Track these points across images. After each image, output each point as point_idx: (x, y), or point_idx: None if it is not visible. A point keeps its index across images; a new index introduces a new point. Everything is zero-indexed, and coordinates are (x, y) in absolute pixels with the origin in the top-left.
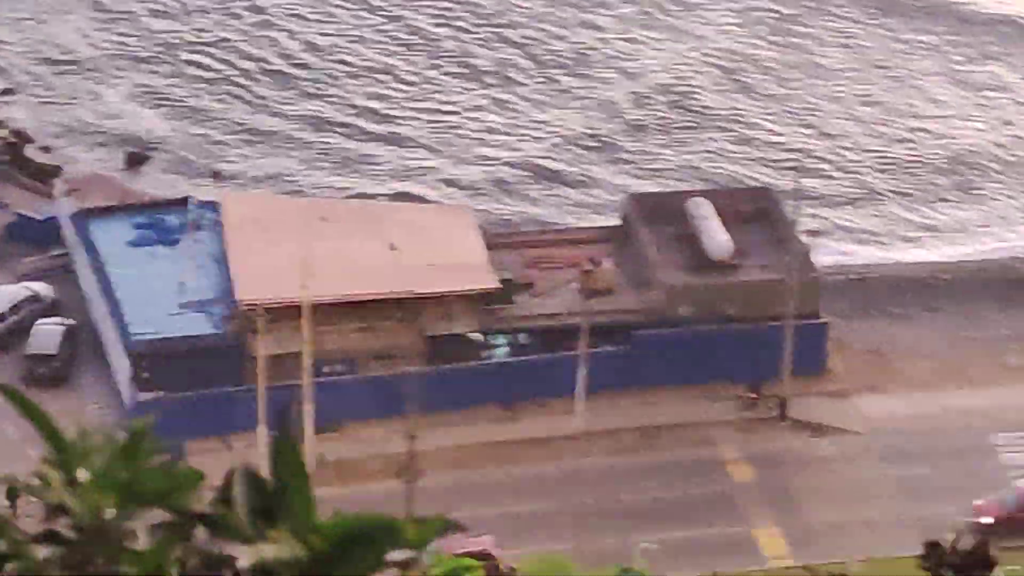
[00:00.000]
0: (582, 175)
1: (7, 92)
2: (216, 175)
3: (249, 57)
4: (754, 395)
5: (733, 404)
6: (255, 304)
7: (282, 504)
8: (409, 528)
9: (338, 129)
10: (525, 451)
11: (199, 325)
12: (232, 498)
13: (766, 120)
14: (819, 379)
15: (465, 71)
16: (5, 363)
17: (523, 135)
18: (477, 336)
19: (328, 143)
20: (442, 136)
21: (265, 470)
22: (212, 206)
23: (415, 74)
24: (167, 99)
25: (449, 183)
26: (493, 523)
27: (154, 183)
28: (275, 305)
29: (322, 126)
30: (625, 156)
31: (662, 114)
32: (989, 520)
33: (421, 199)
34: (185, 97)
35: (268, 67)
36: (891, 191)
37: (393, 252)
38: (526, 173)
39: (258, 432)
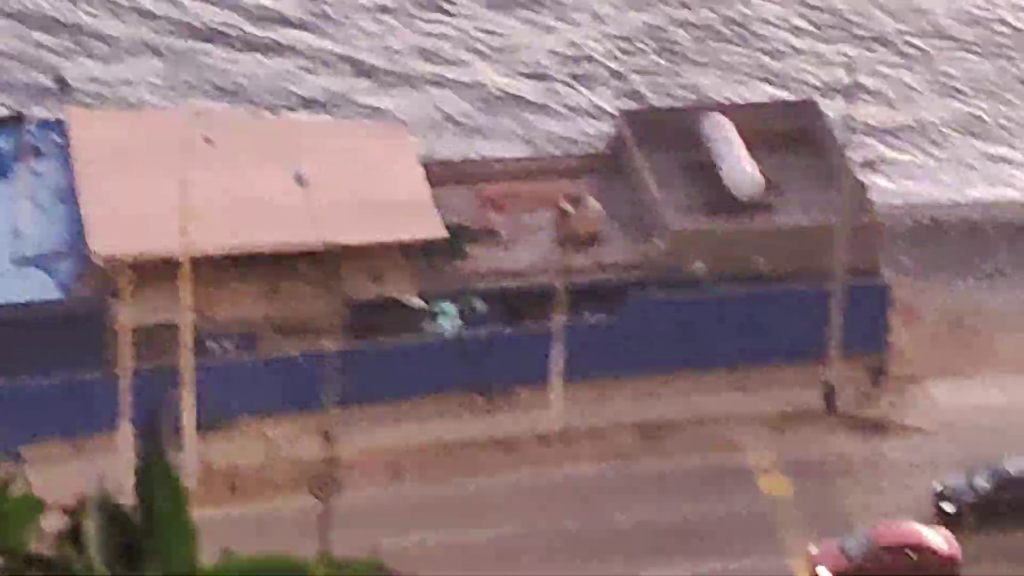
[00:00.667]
0: (556, 103)
1: None
2: (61, 84)
3: None
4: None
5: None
6: (115, 258)
7: (151, 542)
8: (323, 573)
9: (227, 37)
10: (483, 457)
11: (39, 287)
12: (83, 535)
13: (805, 28)
14: (879, 359)
15: None
16: None
17: (478, 52)
18: (417, 302)
19: (208, 55)
20: (371, 50)
21: (130, 492)
22: (55, 126)
23: None
24: None
25: (376, 113)
26: (439, 556)
27: None
28: (143, 260)
29: (204, 33)
30: (617, 77)
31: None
32: (827, 573)
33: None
34: None
35: None
36: (972, 116)
37: (303, 188)
38: (480, 102)
39: (121, 432)
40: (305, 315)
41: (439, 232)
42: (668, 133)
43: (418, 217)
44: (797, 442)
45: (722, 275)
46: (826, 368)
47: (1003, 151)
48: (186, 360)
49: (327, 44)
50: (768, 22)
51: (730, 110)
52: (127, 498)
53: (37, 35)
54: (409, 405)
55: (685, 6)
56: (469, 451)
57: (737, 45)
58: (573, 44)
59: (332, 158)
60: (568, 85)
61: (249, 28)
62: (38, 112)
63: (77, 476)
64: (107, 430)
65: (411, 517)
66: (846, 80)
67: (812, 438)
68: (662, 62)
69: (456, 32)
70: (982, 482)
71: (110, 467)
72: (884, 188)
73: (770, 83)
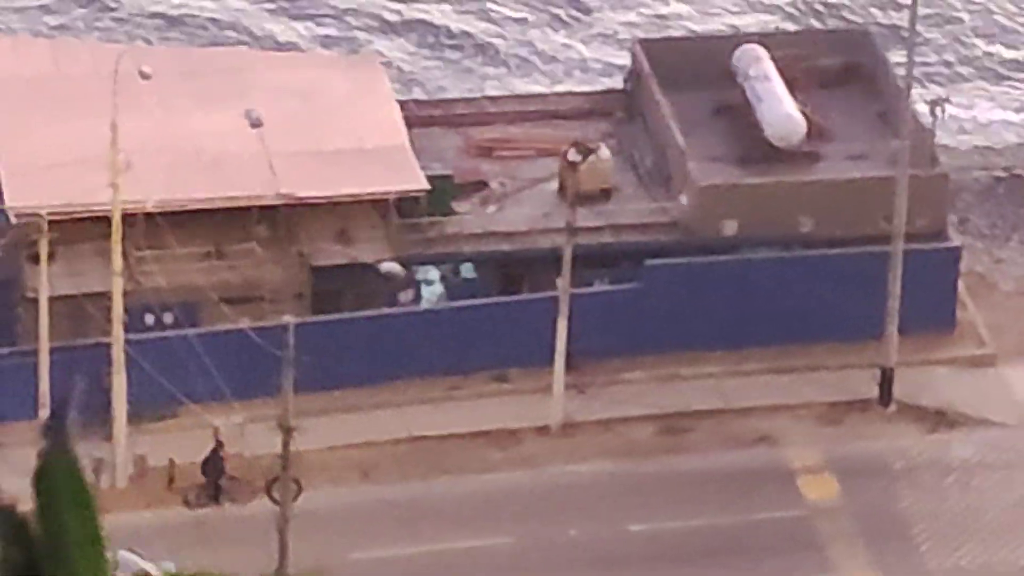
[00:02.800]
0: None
1: None
2: None
3: None
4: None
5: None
6: (32, 214)
7: (54, 556)
8: None
9: None
10: (471, 453)
11: None
12: None
13: None
14: (946, 338)
15: None
16: None
17: None
18: (393, 267)
19: None
20: None
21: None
22: None
23: None
24: None
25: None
26: (417, 571)
27: None
28: (65, 216)
29: None
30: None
31: None
32: None
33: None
34: None
35: None
36: None
37: (257, 130)
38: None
39: (40, 422)
40: (258, 282)
41: (419, 184)
42: (695, 67)
43: (394, 166)
44: (847, 437)
45: (758, 237)
46: (882, 349)
47: None
48: (117, 336)
49: None
50: None
51: (768, 40)
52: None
53: None
54: (383, 391)
55: None
56: (454, 446)
57: None
58: None
59: (290, 96)
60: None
61: None
62: None
63: None
64: (23, 418)
65: (385, 524)
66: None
67: (864, 432)
68: None
69: None
70: None
71: (25, 463)
72: (952, 134)
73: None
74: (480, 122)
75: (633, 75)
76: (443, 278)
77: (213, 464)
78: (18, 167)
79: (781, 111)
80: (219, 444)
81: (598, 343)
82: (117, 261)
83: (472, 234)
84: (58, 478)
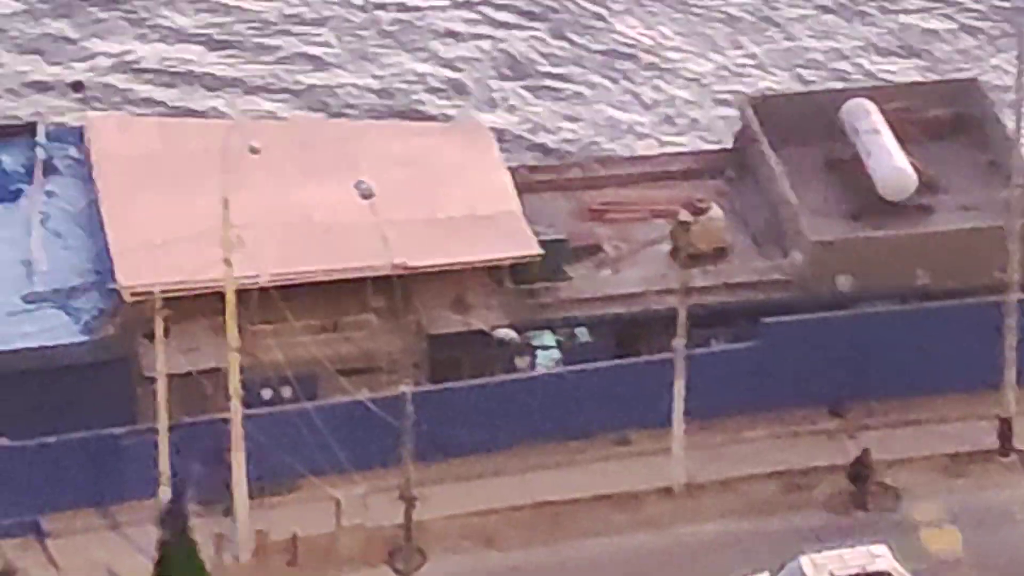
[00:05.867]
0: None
1: None
2: (77, 86)
3: None
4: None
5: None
6: (147, 292)
7: None
8: None
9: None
10: (594, 516)
11: (56, 328)
12: None
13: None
14: None
15: None
16: None
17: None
18: (509, 333)
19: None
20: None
21: None
22: (74, 136)
23: None
24: None
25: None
26: None
27: None
28: (180, 293)
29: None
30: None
31: None
32: None
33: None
34: None
35: None
36: None
37: (368, 202)
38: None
39: (160, 500)
40: (375, 353)
41: (532, 249)
42: (804, 123)
43: (506, 233)
44: (968, 488)
45: (873, 291)
46: (1000, 399)
47: None
48: (235, 411)
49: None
50: None
51: (876, 93)
52: None
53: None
54: (503, 457)
55: None
56: (577, 510)
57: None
58: None
59: (401, 166)
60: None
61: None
62: (53, 117)
63: (107, 552)
64: (143, 497)
65: None
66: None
67: (985, 482)
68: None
69: None
70: None
71: (146, 542)
72: None
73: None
74: (591, 185)
75: (742, 133)
76: (559, 343)
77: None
78: (130, 245)
79: (892, 164)
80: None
81: (717, 402)
82: (233, 336)
83: (587, 298)
84: (178, 564)
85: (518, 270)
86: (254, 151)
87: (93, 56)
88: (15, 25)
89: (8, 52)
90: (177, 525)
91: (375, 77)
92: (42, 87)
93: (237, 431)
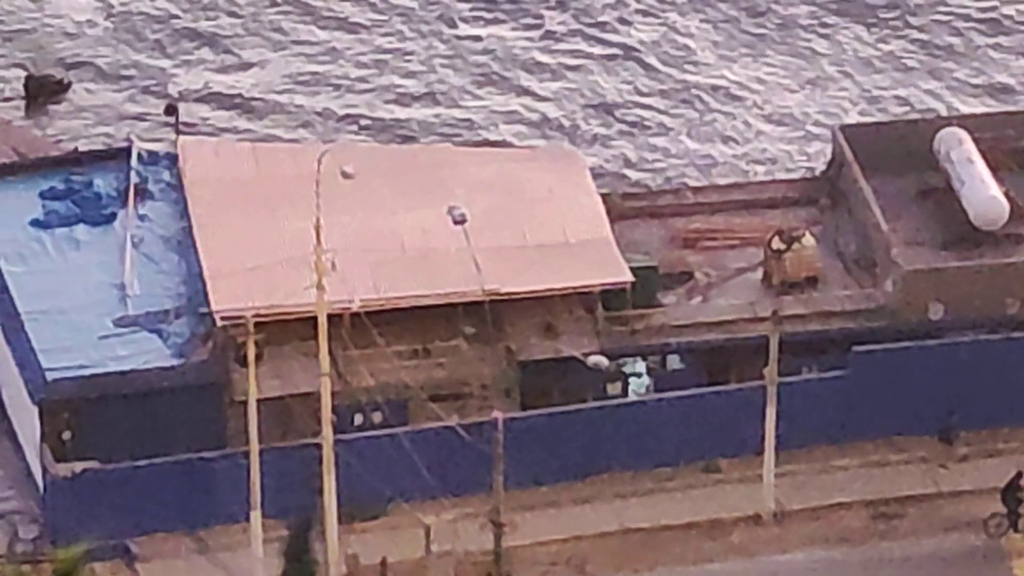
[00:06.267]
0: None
1: None
2: (171, 110)
3: None
4: None
5: None
6: (239, 317)
7: None
8: None
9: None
10: (683, 544)
11: (150, 353)
12: None
13: None
14: None
15: None
16: None
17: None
18: (600, 360)
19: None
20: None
21: None
22: (167, 160)
23: None
24: None
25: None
26: None
27: (72, 125)
28: (272, 317)
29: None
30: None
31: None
32: None
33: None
34: None
35: None
36: None
37: (460, 228)
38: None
39: (251, 524)
40: (465, 379)
41: (624, 277)
42: (896, 152)
43: (598, 259)
44: None
45: (965, 321)
46: None
47: None
48: (326, 436)
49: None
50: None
51: (969, 122)
52: None
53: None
54: (593, 484)
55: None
56: (666, 538)
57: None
58: None
59: (493, 192)
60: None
61: None
62: (146, 142)
63: None
64: (233, 521)
65: None
66: None
67: None
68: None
69: None
70: None
71: (237, 565)
72: None
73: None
74: (683, 213)
75: (835, 161)
76: (650, 370)
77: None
78: (223, 270)
79: (984, 194)
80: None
81: (807, 431)
82: (324, 361)
83: (678, 325)
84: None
85: (609, 297)
86: (348, 176)
87: (186, 83)
88: (107, 50)
89: (101, 77)
90: (301, 553)
91: (464, 108)
92: (136, 111)
93: (328, 456)
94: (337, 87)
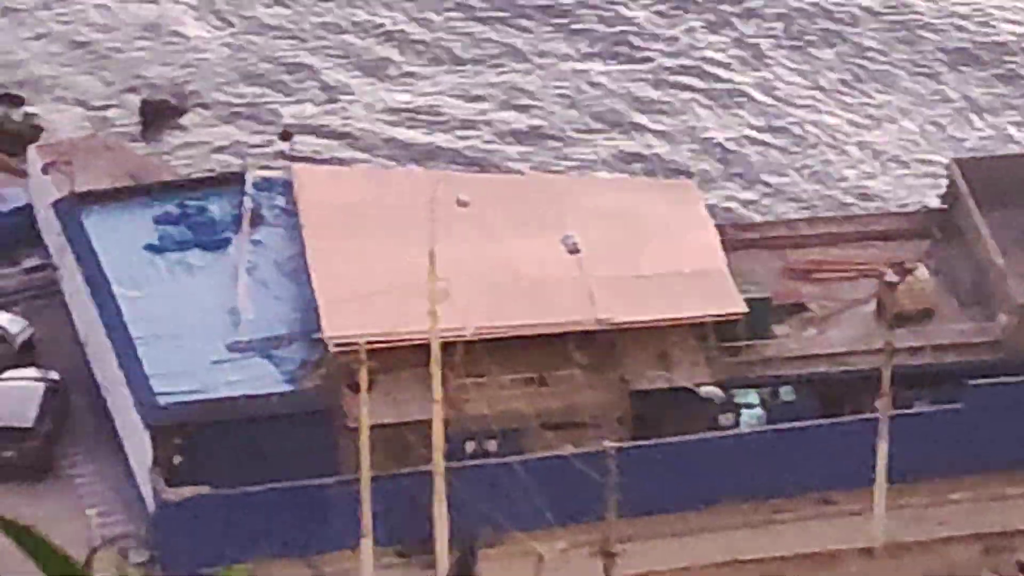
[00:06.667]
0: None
1: None
2: (286, 135)
3: None
4: None
5: None
6: (352, 343)
7: None
8: None
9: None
10: (794, 575)
11: (262, 379)
12: None
13: None
14: None
15: None
16: None
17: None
18: (712, 391)
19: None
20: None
21: None
22: (281, 185)
23: None
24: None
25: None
26: None
27: (187, 150)
28: (385, 345)
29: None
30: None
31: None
32: None
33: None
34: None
35: None
36: None
37: (574, 257)
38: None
39: (362, 551)
40: (579, 408)
41: (737, 307)
42: (1012, 185)
43: (712, 290)
44: None
45: None
46: None
47: None
48: (438, 464)
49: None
50: None
51: None
52: None
53: (268, 58)
54: (705, 514)
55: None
56: (777, 569)
57: None
58: None
59: (607, 222)
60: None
61: None
62: (261, 168)
63: None
64: (344, 547)
65: None
66: None
67: None
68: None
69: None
70: None
71: None
72: None
73: None
74: (798, 244)
75: (950, 194)
76: (763, 401)
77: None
78: (336, 296)
79: None
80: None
81: (920, 463)
82: (438, 389)
83: (791, 356)
84: None
85: (723, 328)
86: (463, 204)
87: (294, 113)
88: (222, 74)
89: (217, 102)
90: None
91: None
92: (251, 137)
93: (440, 484)
94: (444, 122)
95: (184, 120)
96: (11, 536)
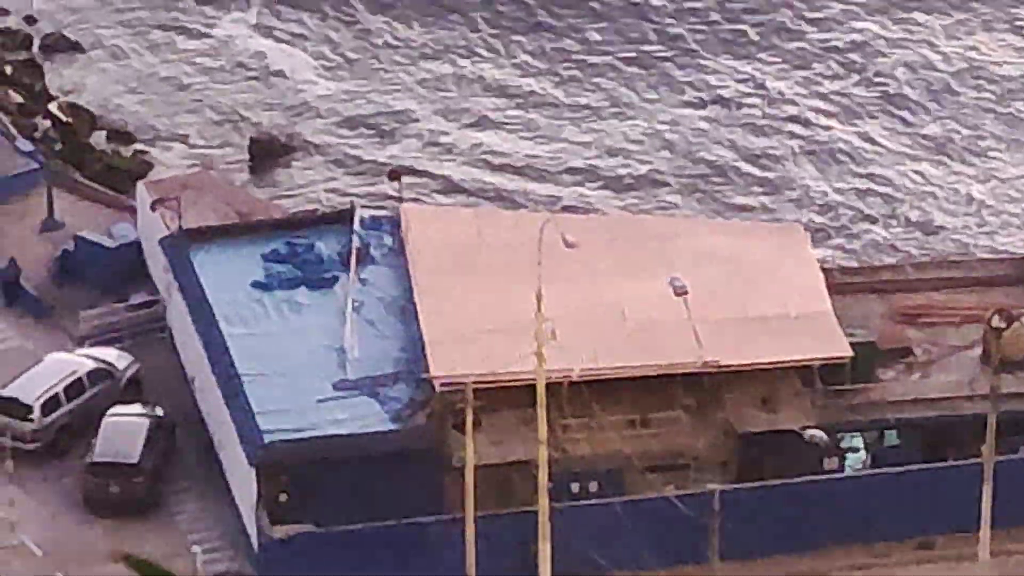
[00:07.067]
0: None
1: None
2: (395, 175)
3: None
4: None
5: None
6: (458, 383)
7: None
8: None
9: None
10: None
11: (368, 417)
12: None
13: None
14: None
15: None
16: (57, 477)
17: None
18: (818, 434)
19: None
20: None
21: None
22: (388, 225)
23: None
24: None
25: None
26: None
27: (295, 189)
28: (491, 385)
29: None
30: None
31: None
32: None
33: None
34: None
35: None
36: None
37: (680, 299)
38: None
39: None
40: (683, 450)
41: (843, 351)
42: None
43: (817, 334)
44: None
45: None
46: None
47: None
48: (543, 505)
49: None
50: None
51: None
52: None
53: (378, 98)
54: (808, 558)
55: None
56: None
57: None
58: None
59: (714, 264)
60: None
61: None
62: (369, 206)
63: None
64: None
65: None
66: None
67: None
68: None
69: None
70: None
71: None
72: None
73: None
74: (904, 288)
75: None
76: (867, 445)
77: None
78: (443, 336)
79: None
80: None
81: None
82: (543, 429)
83: (896, 400)
84: None
85: (828, 371)
86: (570, 245)
87: (398, 152)
88: (329, 114)
89: (325, 141)
90: None
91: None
92: (358, 176)
93: (544, 524)
94: (544, 170)
95: (292, 159)
96: (135, 570)
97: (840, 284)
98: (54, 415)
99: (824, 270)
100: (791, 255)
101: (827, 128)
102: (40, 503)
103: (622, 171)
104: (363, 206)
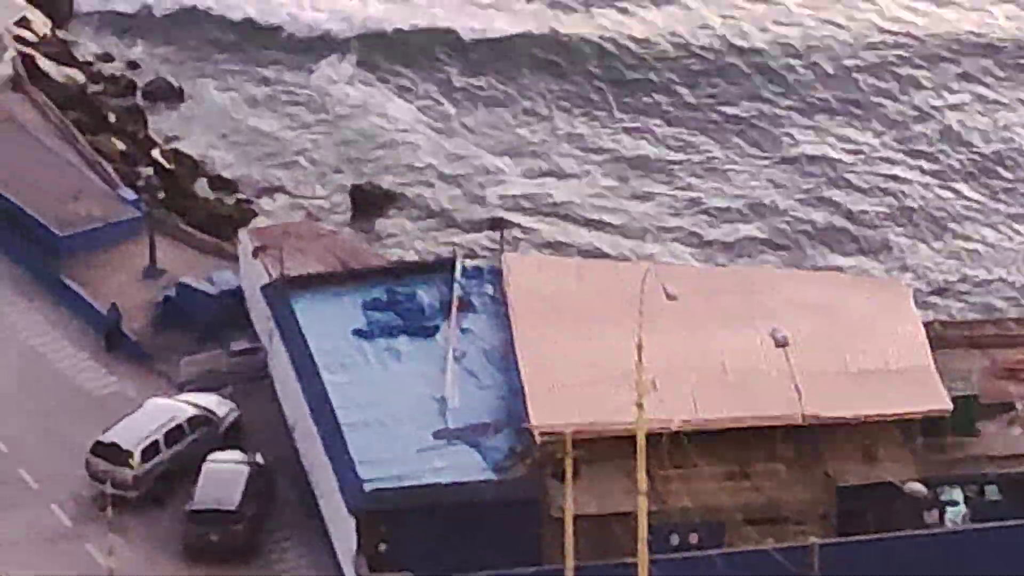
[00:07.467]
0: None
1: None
2: (497, 225)
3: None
4: None
5: None
6: (558, 433)
7: None
8: None
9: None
10: None
11: (467, 467)
12: None
13: None
14: None
15: None
16: (158, 524)
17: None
18: (917, 488)
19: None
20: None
21: None
22: (490, 274)
23: None
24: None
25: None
26: None
27: (396, 238)
28: (590, 436)
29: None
30: None
31: None
32: None
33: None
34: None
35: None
36: None
37: (781, 351)
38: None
39: None
40: (783, 502)
41: (943, 405)
42: None
43: (918, 387)
44: None
45: None
46: None
47: None
48: (642, 556)
49: None
50: None
51: None
52: None
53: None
54: None
55: None
56: None
57: None
58: None
59: (815, 316)
60: None
61: None
62: (471, 256)
63: None
64: None
65: None
66: None
67: None
68: None
69: None
70: None
71: None
72: None
73: None
74: (1006, 344)
75: None
76: (967, 499)
77: None
78: (543, 385)
79: None
80: None
81: None
82: (642, 480)
83: (997, 455)
84: None
85: (928, 424)
86: (671, 297)
87: (512, 194)
88: (431, 162)
89: (427, 188)
90: None
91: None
92: (460, 225)
93: (644, 574)
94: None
95: (392, 208)
96: None
97: (941, 338)
98: (153, 461)
99: (925, 324)
100: (893, 309)
101: (924, 186)
102: (139, 551)
103: (714, 232)
104: (465, 255)
